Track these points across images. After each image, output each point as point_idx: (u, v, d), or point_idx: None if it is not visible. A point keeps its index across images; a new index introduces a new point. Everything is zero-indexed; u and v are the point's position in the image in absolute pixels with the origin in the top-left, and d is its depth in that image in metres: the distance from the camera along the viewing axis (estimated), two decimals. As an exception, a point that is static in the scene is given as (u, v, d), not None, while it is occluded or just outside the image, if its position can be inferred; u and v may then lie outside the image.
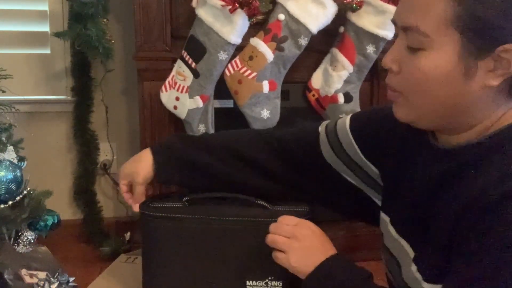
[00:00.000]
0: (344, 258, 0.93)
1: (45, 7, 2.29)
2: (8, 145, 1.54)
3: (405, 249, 0.89)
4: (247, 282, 1.04)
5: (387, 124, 1.00)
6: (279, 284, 1.03)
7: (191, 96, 1.99)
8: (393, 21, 0.84)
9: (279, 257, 0.95)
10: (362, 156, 1.05)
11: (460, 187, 0.79)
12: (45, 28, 2.30)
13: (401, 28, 0.81)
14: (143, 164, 1.13)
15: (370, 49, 2.02)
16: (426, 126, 0.86)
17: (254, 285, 1.03)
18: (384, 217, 0.98)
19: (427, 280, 0.82)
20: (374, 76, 2.17)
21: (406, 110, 0.84)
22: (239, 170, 1.13)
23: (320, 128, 1.12)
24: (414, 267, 0.85)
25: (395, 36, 1.99)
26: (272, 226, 0.97)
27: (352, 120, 1.09)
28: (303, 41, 1.97)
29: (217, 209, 1.06)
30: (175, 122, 2.08)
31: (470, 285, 0.72)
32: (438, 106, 0.80)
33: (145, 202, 1.10)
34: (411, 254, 0.87)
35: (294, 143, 1.13)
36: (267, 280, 1.03)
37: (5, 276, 1.24)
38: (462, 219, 0.76)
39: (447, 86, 0.78)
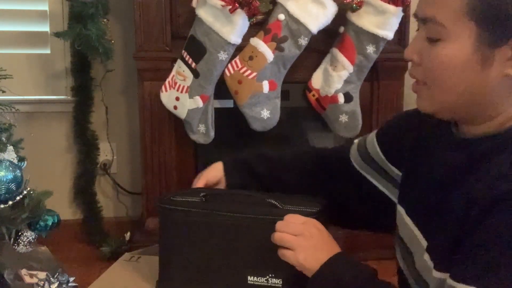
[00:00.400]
0: (349, 256, 0.94)
1: (45, 7, 2.29)
2: (8, 145, 1.54)
3: (418, 239, 0.91)
4: (249, 277, 1.05)
5: (406, 122, 1.03)
6: (279, 281, 1.04)
7: (191, 96, 1.99)
8: (415, 14, 0.86)
9: (286, 254, 0.95)
10: (386, 161, 1.08)
11: (474, 178, 0.80)
12: (45, 28, 2.30)
13: (420, 19, 0.83)
14: (213, 166, 1.27)
15: (370, 49, 2.02)
16: (448, 117, 0.87)
17: (255, 281, 1.05)
18: (400, 209, 1.00)
19: (438, 268, 0.83)
20: (374, 76, 2.17)
21: (428, 100, 0.85)
22: (282, 174, 1.21)
23: (356, 140, 1.19)
24: (426, 256, 0.86)
25: (396, 34, 2.00)
26: (279, 224, 0.98)
27: (380, 128, 1.14)
28: (303, 41, 1.97)
29: (226, 205, 1.09)
30: (175, 122, 2.08)
31: (476, 276, 0.73)
32: (458, 96, 0.82)
33: (166, 196, 1.14)
34: (424, 244, 0.88)
35: (330, 150, 1.25)
36: (267, 277, 1.04)
37: (5, 276, 1.24)
38: (472, 210, 0.77)
39: (465, 75, 0.80)
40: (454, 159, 0.86)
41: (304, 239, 0.94)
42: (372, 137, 1.12)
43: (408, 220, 0.96)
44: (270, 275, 1.04)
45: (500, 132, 0.82)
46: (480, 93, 0.81)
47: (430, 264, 0.85)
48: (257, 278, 1.05)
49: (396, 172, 1.07)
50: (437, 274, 0.83)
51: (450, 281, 0.77)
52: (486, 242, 0.74)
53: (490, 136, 0.82)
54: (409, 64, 0.88)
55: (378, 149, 1.09)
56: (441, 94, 0.83)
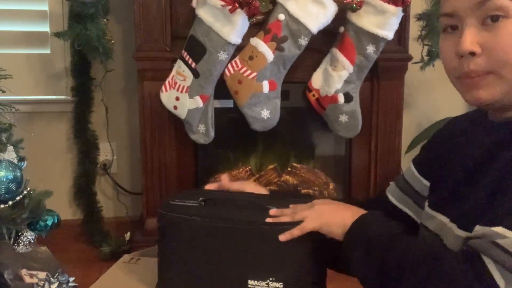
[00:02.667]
0: (375, 215, 0.93)
1: (45, 7, 2.29)
2: (8, 145, 1.55)
3: (443, 222, 0.92)
4: (249, 281, 1.05)
5: (438, 134, 1.05)
6: (280, 285, 1.04)
7: (191, 96, 1.99)
8: (451, 13, 0.83)
9: (307, 224, 0.94)
10: (421, 179, 1.07)
11: (504, 155, 0.82)
12: (45, 28, 2.30)
13: (476, 3, 0.80)
14: None
15: (370, 49, 2.02)
16: (508, 102, 0.85)
17: (256, 285, 1.05)
18: (430, 211, 1.01)
19: (460, 227, 0.85)
20: (374, 76, 2.17)
21: (497, 87, 0.82)
22: None
23: None
24: (457, 230, 0.87)
25: (396, 34, 2.00)
26: (287, 211, 0.98)
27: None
28: (303, 41, 1.97)
29: (225, 211, 1.09)
30: (175, 122, 2.08)
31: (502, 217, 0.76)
32: None
33: (167, 199, 1.14)
34: (448, 221, 0.90)
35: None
36: (268, 280, 1.04)
37: (5, 276, 1.24)
38: (504, 176, 0.80)
39: None
40: (486, 141, 0.88)
41: (319, 206, 0.95)
42: (409, 164, 1.12)
43: (431, 211, 0.97)
44: (270, 278, 1.04)
45: None
46: None
47: (453, 225, 0.87)
48: (257, 282, 1.05)
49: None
50: (461, 233, 0.84)
51: (478, 227, 0.79)
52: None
53: None
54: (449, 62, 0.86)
55: (415, 170, 1.08)
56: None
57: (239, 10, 1.84)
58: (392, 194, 1.11)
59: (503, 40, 0.79)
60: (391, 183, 1.14)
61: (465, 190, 0.88)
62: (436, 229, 0.95)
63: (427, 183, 1.05)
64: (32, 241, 1.51)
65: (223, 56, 1.93)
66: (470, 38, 0.81)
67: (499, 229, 0.76)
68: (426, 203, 1.01)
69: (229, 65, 2.01)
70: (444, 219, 0.92)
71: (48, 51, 2.33)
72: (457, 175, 0.93)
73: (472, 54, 0.82)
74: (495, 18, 0.79)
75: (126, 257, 1.32)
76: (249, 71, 2.00)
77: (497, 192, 0.80)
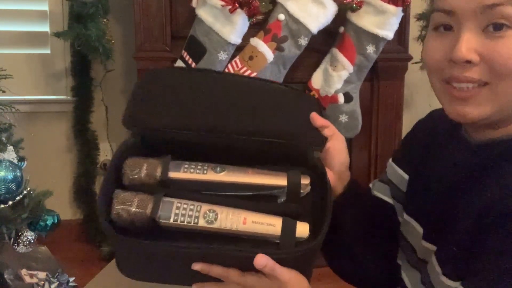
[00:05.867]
0: None
1: (45, 7, 2.29)
2: (8, 145, 1.55)
3: (418, 232, 0.88)
4: None
5: (418, 130, 0.99)
6: None
7: (191, 96, 1.99)
8: (448, 11, 0.74)
9: None
10: (403, 174, 1.01)
11: (487, 183, 0.75)
12: (45, 28, 2.30)
13: (482, 6, 0.71)
14: None
15: (370, 49, 2.02)
16: (493, 119, 0.76)
17: None
18: (407, 219, 0.95)
19: (446, 275, 0.79)
20: (374, 76, 2.17)
21: (489, 103, 0.74)
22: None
23: None
24: (434, 260, 0.82)
25: (396, 34, 2.00)
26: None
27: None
28: (303, 41, 1.97)
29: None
30: (175, 122, 2.08)
31: (489, 286, 0.70)
32: None
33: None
34: (422, 232, 0.86)
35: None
36: None
37: (5, 276, 1.24)
38: (485, 218, 0.72)
39: None
40: (466, 164, 0.81)
41: None
42: (389, 163, 1.06)
43: (410, 219, 0.93)
44: None
45: None
46: None
47: (438, 269, 0.81)
48: None
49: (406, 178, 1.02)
50: (446, 281, 0.79)
51: None
52: (502, 250, 0.69)
53: (506, 141, 0.77)
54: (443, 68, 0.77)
55: (395, 166, 1.02)
56: (508, 91, 0.73)
57: (239, 10, 1.84)
58: (377, 189, 1.04)
59: (506, 51, 0.70)
60: (373, 181, 1.09)
61: (443, 208, 0.83)
62: (411, 240, 0.92)
63: (407, 177, 0.99)
64: (32, 241, 1.52)
65: (223, 56, 1.93)
66: (468, 45, 0.72)
67: None
68: (404, 211, 0.96)
69: (229, 65, 2.01)
70: (419, 229, 0.88)
71: (48, 51, 2.33)
72: (432, 187, 0.87)
73: (468, 62, 0.73)
74: (498, 27, 0.70)
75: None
76: (249, 71, 2.00)
77: (480, 229, 0.73)
